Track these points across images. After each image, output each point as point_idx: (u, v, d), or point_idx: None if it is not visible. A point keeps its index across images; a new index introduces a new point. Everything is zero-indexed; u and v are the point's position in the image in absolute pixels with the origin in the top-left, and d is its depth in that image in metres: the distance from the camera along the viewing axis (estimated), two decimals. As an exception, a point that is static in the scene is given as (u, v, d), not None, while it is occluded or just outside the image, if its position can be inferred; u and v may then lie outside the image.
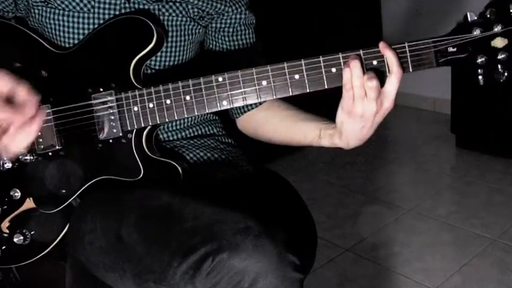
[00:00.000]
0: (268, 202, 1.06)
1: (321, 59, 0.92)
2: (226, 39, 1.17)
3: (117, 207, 0.96)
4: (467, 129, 2.94)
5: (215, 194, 1.00)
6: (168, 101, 0.97)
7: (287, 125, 1.11)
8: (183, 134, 1.15)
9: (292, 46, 2.89)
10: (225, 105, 0.96)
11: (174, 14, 1.08)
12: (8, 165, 1.03)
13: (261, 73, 0.94)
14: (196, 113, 0.97)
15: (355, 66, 0.89)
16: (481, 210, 2.37)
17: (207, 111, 0.97)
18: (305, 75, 0.92)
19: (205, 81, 0.95)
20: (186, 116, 0.98)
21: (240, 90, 0.95)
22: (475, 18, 0.88)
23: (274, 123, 1.13)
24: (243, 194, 1.07)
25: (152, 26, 0.98)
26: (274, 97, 0.94)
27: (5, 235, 1.04)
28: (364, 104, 0.90)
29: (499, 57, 0.88)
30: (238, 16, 1.16)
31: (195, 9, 1.10)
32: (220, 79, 0.95)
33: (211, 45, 1.18)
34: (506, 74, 0.89)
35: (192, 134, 1.16)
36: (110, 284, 0.97)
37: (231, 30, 1.16)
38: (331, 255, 2.13)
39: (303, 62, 0.92)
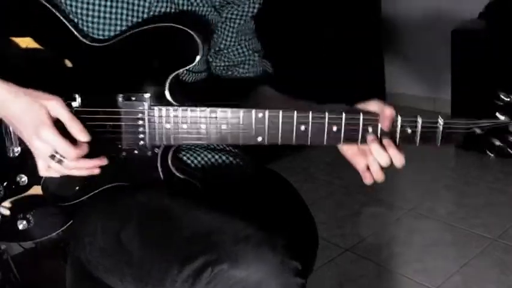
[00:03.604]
0: (269, 203, 1.06)
1: (361, 117, 0.90)
2: (234, 30, 1.13)
3: (119, 210, 0.95)
4: (467, 129, 2.94)
5: (216, 196, 1.00)
6: (203, 127, 0.92)
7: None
8: None
9: (289, 47, 2.91)
10: (259, 141, 0.92)
11: (200, 4, 1.05)
12: (17, 149, 0.97)
13: (301, 118, 0.90)
14: (229, 142, 0.93)
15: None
16: (481, 210, 2.37)
17: (240, 143, 0.92)
18: (342, 129, 0.90)
19: (244, 115, 0.91)
20: (217, 143, 0.95)
21: (276, 131, 0.91)
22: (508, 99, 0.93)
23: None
24: (244, 195, 1.06)
25: (199, 44, 0.92)
26: (308, 143, 0.91)
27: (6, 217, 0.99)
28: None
29: (510, 139, 0.93)
30: (251, 9, 1.12)
31: None
32: (260, 115, 0.90)
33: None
34: None
35: None
36: (111, 285, 0.97)
37: (242, 22, 1.12)
38: (331, 255, 2.13)
39: (343, 116, 0.89)
